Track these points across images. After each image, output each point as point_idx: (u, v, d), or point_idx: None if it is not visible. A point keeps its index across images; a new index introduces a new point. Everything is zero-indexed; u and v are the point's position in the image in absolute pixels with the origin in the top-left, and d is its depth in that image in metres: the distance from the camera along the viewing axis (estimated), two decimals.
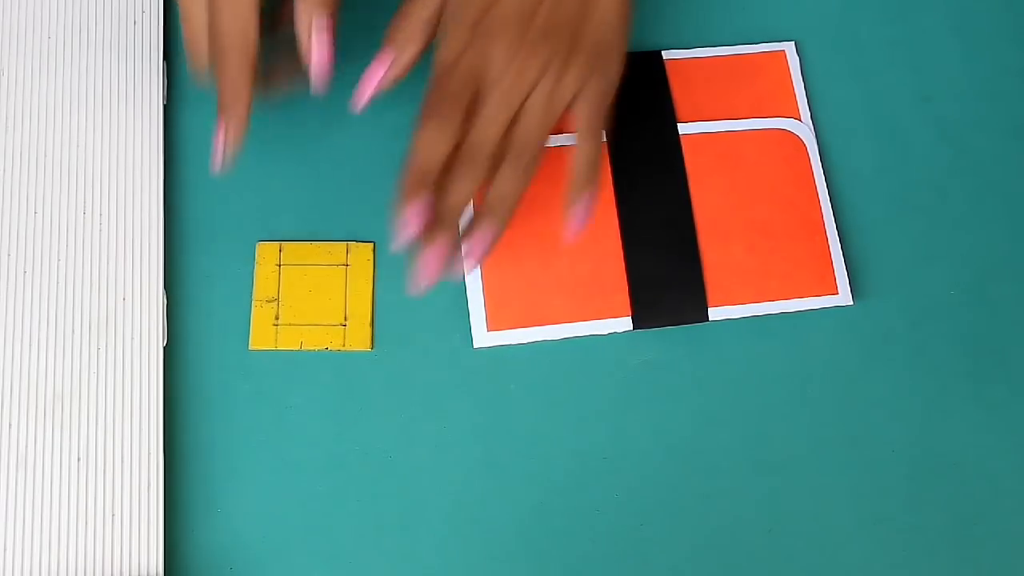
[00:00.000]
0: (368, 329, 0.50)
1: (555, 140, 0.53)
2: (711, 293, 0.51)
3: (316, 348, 0.50)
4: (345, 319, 0.50)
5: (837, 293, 0.52)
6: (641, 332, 0.51)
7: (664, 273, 0.51)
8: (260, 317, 0.50)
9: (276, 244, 0.51)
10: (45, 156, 0.51)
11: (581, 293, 0.51)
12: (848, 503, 0.49)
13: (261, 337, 0.50)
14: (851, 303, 0.52)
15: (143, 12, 0.53)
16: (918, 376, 0.51)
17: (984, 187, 0.55)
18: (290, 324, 0.50)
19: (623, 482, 0.49)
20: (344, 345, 0.50)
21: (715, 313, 0.51)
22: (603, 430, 0.50)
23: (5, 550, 0.45)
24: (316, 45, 0.45)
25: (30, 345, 0.48)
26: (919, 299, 0.53)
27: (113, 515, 0.46)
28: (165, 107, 0.52)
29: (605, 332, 0.51)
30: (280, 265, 0.51)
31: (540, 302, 0.51)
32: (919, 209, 0.54)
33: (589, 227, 0.52)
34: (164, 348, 0.48)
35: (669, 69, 0.55)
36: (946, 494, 0.50)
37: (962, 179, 0.55)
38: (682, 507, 0.49)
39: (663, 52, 0.55)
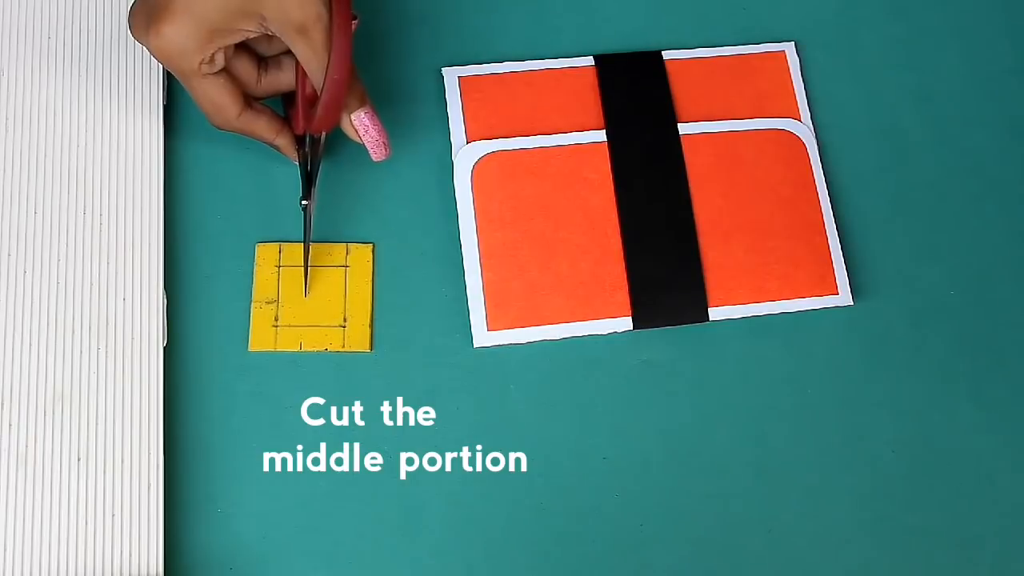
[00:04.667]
0: (367, 330, 0.50)
1: (561, 139, 0.53)
2: (711, 293, 0.51)
3: (315, 349, 0.50)
4: (344, 320, 0.50)
5: (837, 293, 0.52)
6: (641, 332, 0.51)
7: (664, 273, 0.51)
8: (259, 318, 0.50)
9: (276, 245, 0.51)
10: (45, 156, 0.51)
11: (581, 293, 0.51)
12: (848, 503, 0.49)
13: (260, 338, 0.50)
14: (851, 303, 0.52)
15: None
16: (918, 376, 0.51)
17: (984, 187, 0.55)
18: (289, 325, 0.50)
19: (623, 482, 0.49)
20: (344, 346, 0.50)
21: (715, 313, 0.51)
22: (603, 430, 0.50)
23: (5, 550, 0.45)
24: (365, 137, 0.49)
25: (30, 345, 0.48)
26: (919, 299, 0.53)
27: (113, 515, 0.46)
28: (165, 107, 0.52)
29: (605, 332, 0.51)
30: (280, 266, 0.51)
31: (540, 302, 0.51)
32: (919, 209, 0.54)
33: (589, 227, 0.52)
34: (164, 348, 0.48)
35: (669, 69, 0.55)
36: (946, 494, 0.50)
37: (962, 179, 0.55)
38: (682, 507, 0.49)
39: (663, 52, 0.55)
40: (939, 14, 0.58)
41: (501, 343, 0.50)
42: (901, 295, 0.53)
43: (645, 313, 0.51)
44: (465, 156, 0.52)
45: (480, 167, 0.52)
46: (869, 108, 0.56)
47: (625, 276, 0.51)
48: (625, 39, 0.56)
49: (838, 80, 0.56)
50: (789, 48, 0.56)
